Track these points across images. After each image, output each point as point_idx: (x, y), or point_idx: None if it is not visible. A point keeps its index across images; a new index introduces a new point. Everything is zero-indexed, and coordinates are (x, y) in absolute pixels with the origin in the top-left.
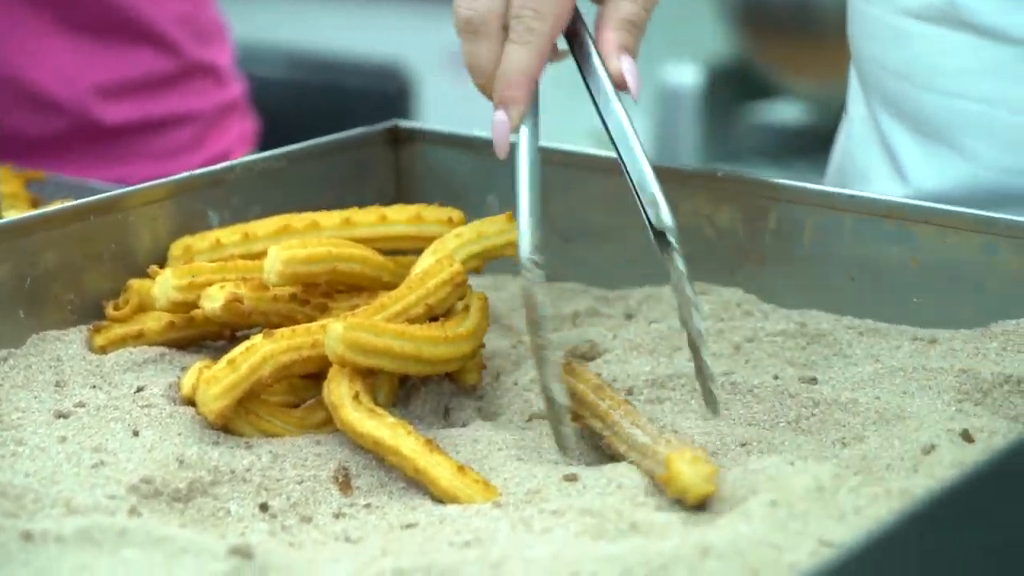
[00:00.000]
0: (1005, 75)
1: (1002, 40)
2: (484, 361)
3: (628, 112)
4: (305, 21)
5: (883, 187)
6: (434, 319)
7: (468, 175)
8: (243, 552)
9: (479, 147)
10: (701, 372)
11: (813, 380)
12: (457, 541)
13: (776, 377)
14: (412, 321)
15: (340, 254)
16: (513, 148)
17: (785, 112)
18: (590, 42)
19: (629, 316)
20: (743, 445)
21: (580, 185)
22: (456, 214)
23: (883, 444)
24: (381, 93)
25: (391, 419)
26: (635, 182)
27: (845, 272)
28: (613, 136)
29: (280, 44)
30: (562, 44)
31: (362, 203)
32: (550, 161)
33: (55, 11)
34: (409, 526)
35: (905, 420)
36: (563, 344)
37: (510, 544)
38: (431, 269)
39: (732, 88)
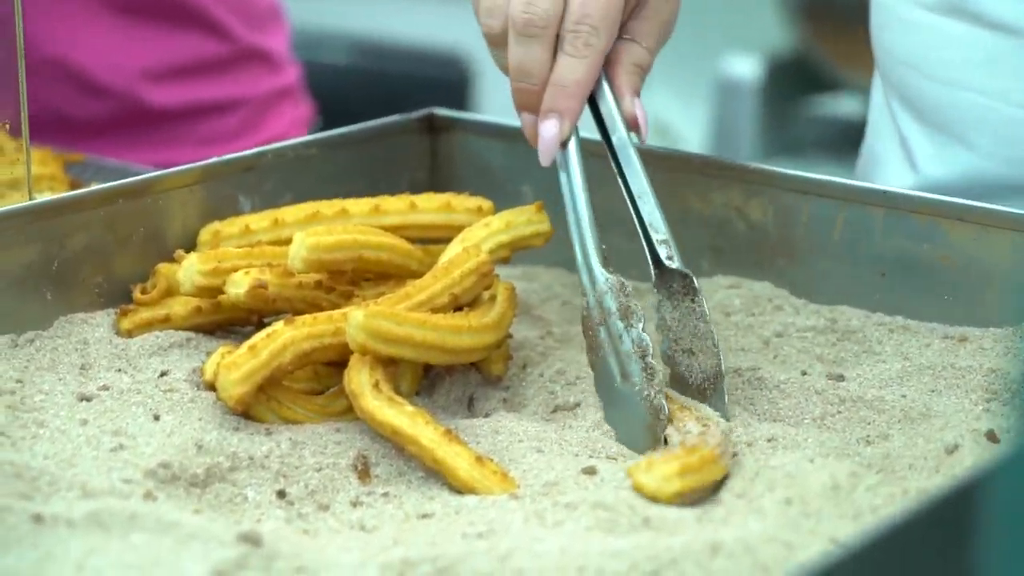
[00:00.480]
0: (1006, 67)
1: (1005, 32)
2: (511, 352)
3: (637, 149)
4: (367, 8)
5: (895, 175)
6: (459, 309)
7: (503, 164)
8: (252, 539)
9: (514, 136)
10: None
11: (840, 377)
12: (471, 532)
13: (804, 373)
14: (437, 310)
15: (367, 242)
16: (565, 159)
17: (845, 105)
18: (603, 77)
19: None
20: (769, 441)
21: (609, 174)
22: (486, 203)
23: (907, 443)
24: (442, 81)
25: (410, 408)
26: (646, 220)
27: (876, 268)
28: (625, 172)
29: (341, 31)
30: None
31: (396, 191)
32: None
33: None
34: (424, 516)
35: (931, 419)
36: None
37: (520, 537)
38: (457, 258)
39: (792, 80)
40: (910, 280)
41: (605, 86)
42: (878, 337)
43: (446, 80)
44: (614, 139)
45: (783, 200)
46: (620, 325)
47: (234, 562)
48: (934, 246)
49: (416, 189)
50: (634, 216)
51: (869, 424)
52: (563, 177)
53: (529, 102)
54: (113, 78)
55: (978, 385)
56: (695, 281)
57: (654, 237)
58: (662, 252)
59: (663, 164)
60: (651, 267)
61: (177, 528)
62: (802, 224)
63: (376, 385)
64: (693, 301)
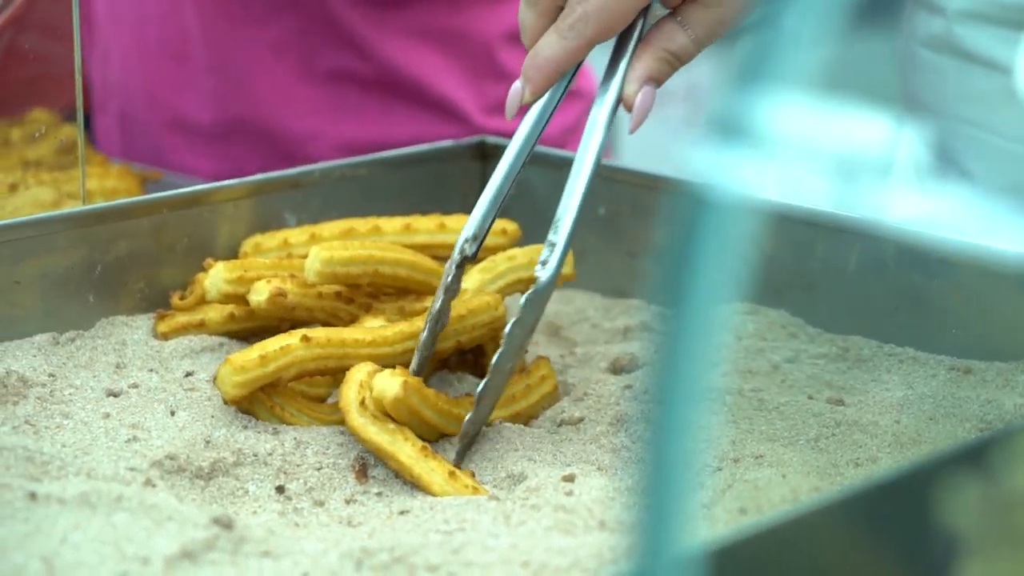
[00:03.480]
0: (1000, 103)
1: (997, 70)
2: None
3: (603, 144)
4: None
5: (908, 206)
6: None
7: (548, 191)
8: (223, 522)
9: (559, 165)
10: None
11: (840, 402)
12: (441, 528)
13: (811, 398)
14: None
15: (383, 257)
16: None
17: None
18: (626, 53)
19: None
20: (756, 458)
21: (648, 204)
22: (510, 226)
23: (892, 466)
24: None
25: (392, 425)
26: (557, 215)
27: (889, 301)
28: (576, 160)
29: None
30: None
31: (446, 214)
32: (620, 180)
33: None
34: (403, 513)
35: (921, 444)
36: (607, 355)
37: (480, 533)
38: (476, 308)
39: None
40: (921, 313)
41: (622, 66)
42: (887, 366)
43: None
44: (594, 112)
45: (798, 233)
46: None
47: (203, 543)
48: (944, 281)
49: (467, 212)
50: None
51: (860, 447)
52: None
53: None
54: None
55: (973, 415)
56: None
57: (550, 236)
58: (544, 252)
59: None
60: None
61: (157, 510)
62: (818, 257)
63: (363, 402)
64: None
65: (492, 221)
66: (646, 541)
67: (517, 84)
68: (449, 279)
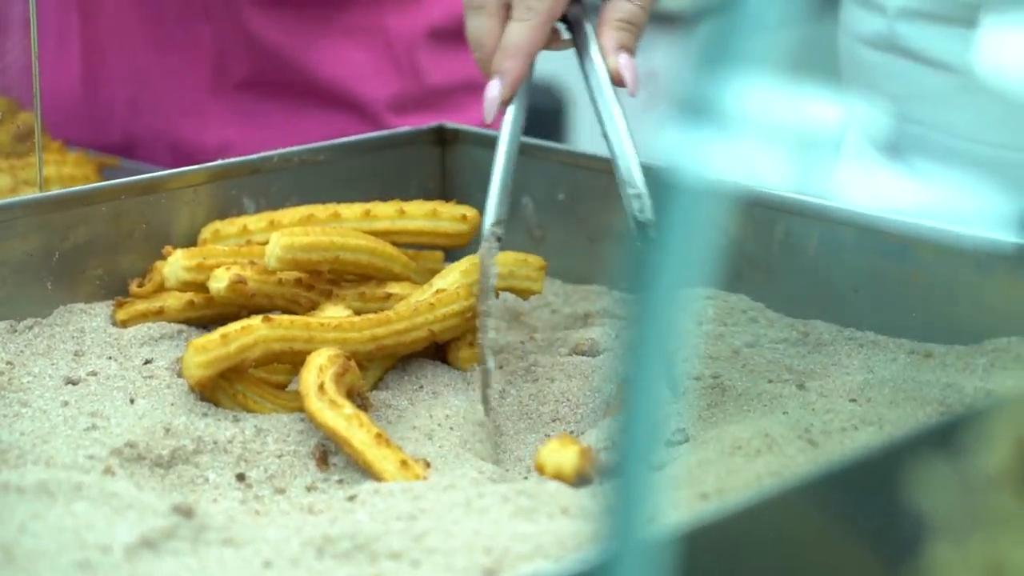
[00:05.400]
0: (941, 101)
1: (939, 67)
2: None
3: (622, 106)
4: None
5: (853, 191)
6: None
7: None
8: (184, 511)
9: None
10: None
11: (802, 386)
12: (403, 514)
13: (770, 382)
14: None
15: (344, 244)
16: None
17: None
18: (591, 35)
19: None
20: (718, 442)
21: (608, 189)
22: (470, 212)
23: (849, 446)
24: (537, 110)
25: (348, 411)
26: (623, 175)
27: (849, 285)
28: (605, 128)
29: None
30: (566, 34)
31: (407, 200)
32: (580, 165)
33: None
34: (365, 501)
35: (882, 427)
36: (568, 341)
37: (442, 519)
38: (446, 297)
39: None
40: (881, 297)
41: (591, 45)
42: (847, 351)
43: (542, 110)
44: (594, 93)
45: (760, 217)
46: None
47: (163, 531)
48: (904, 265)
49: (427, 198)
50: (616, 169)
51: (822, 433)
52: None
53: (486, 69)
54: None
55: (934, 398)
56: (649, 231)
57: (629, 192)
58: (635, 206)
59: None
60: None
61: (117, 498)
62: (777, 241)
63: (321, 387)
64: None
65: (508, 203)
66: (613, 525)
67: (492, 84)
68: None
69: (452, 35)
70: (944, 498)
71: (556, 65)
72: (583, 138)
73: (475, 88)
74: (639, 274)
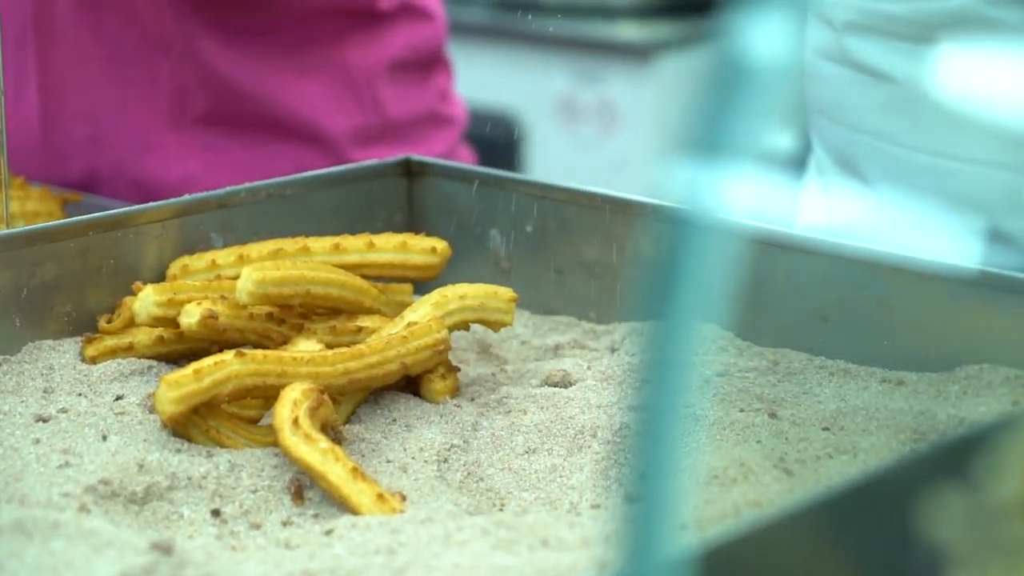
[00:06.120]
0: (891, 111)
1: (886, 80)
2: (460, 386)
3: None
4: None
5: (815, 213)
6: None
7: (474, 208)
8: (163, 548)
9: (484, 182)
10: None
11: (774, 415)
12: (382, 548)
13: (741, 411)
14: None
15: (314, 277)
16: None
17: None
18: None
19: (614, 350)
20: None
21: (576, 221)
22: (440, 244)
23: (823, 475)
24: (492, 140)
25: (324, 445)
26: None
27: (818, 313)
28: None
29: None
30: None
31: (374, 233)
32: (548, 197)
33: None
34: (342, 535)
35: (857, 455)
36: (539, 373)
37: (421, 552)
38: (418, 330)
39: None
40: (851, 325)
41: None
42: (818, 379)
43: (498, 140)
44: None
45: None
46: None
47: (143, 568)
48: (873, 292)
49: (394, 231)
50: None
51: (797, 462)
52: None
53: None
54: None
55: (907, 426)
56: None
57: None
58: None
59: (608, 208)
60: None
61: (95, 536)
62: (745, 270)
63: (295, 421)
64: None
65: None
66: (632, 547)
67: None
68: None
69: (412, 68)
70: (957, 528)
71: (507, 93)
72: (539, 168)
73: (436, 120)
74: (655, 307)
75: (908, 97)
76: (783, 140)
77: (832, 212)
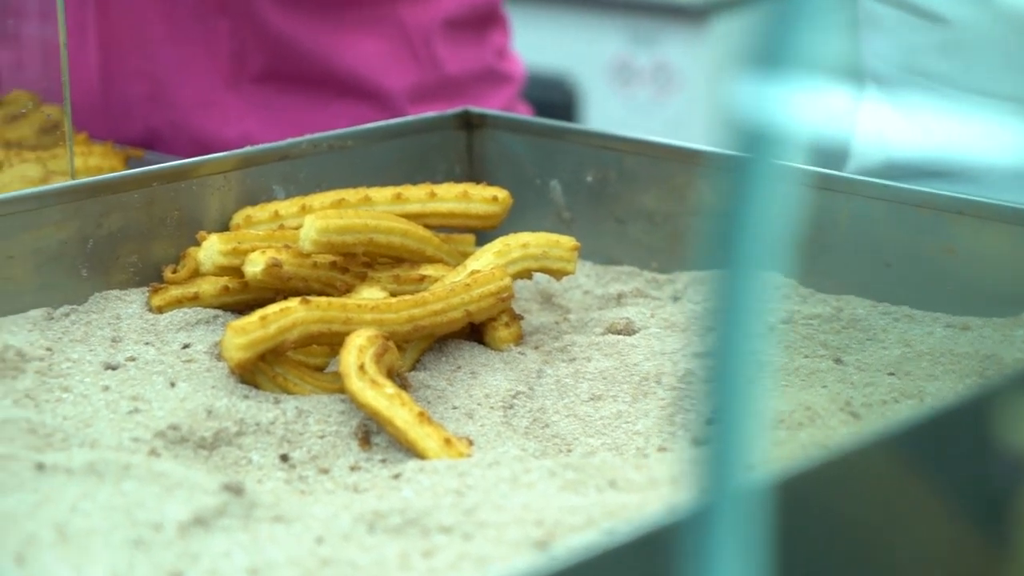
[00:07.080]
0: (946, 53)
1: (940, 21)
2: (524, 334)
3: None
4: None
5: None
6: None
7: (534, 160)
8: (234, 489)
9: (543, 133)
10: None
11: (839, 360)
12: (450, 490)
13: (807, 356)
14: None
15: (376, 226)
16: None
17: None
18: None
19: (676, 299)
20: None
21: (636, 170)
22: (501, 193)
23: (891, 419)
24: (547, 103)
25: (390, 390)
26: None
27: (881, 259)
28: None
29: None
30: None
31: (436, 184)
32: (607, 147)
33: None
34: (410, 477)
35: (923, 398)
36: (602, 321)
37: (489, 494)
38: (481, 278)
39: None
40: (915, 271)
41: None
42: (883, 325)
43: (552, 102)
44: None
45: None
46: None
47: (214, 508)
48: (937, 237)
49: (455, 182)
50: None
51: (864, 403)
52: None
53: None
54: None
55: (973, 371)
56: None
57: None
58: None
59: (668, 157)
60: None
61: (166, 477)
62: (808, 216)
63: (361, 367)
64: None
65: None
66: (709, 477)
67: None
68: None
69: (468, 25)
70: None
71: (561, 55)
72: (590, 125)
73: (494, 77)
74: (719, 254)
75: (963, 39)
76: (843, 54)
77: (892, 123)
